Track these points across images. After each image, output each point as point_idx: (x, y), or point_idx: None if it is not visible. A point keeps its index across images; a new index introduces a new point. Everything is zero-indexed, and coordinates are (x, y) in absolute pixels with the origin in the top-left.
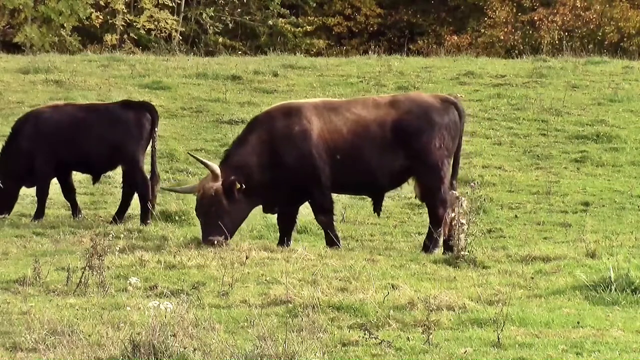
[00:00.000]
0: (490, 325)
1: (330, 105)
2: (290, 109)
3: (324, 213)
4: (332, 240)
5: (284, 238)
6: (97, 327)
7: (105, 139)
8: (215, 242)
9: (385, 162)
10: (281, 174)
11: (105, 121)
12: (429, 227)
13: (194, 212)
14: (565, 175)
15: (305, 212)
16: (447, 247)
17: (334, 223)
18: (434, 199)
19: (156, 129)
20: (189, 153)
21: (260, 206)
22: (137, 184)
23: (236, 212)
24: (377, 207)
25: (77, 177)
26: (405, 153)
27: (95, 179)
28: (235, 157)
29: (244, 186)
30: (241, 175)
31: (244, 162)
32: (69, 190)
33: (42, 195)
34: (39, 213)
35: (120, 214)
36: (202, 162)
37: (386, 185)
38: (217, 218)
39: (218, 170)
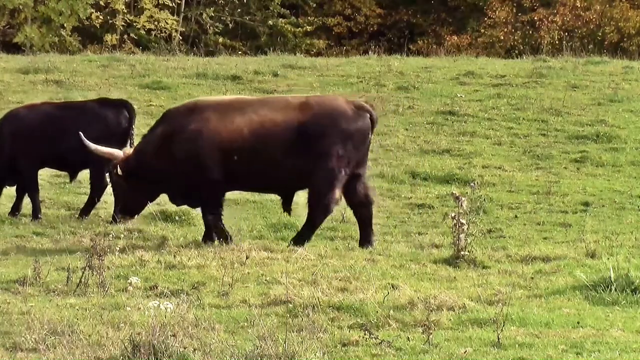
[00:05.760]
0: (490, 325)
1: (238, 104)
2: (193, 107)
3: (211, 212)
4: (211, 235)
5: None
6: (97, 327)
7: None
8: (120, 219)
9: (289, 165)
10: (174, 170)
11: (83, 119)
12: (302, 228)
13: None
14: (565, 175)
15: (302, 211)
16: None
17: (221, 221)
18: (317, 204)
19: (133, 127)
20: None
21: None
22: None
23: (134, 193)
24: (286, 206)
25: (78, 177)
26: (306, 156)
27: (72, 177)
28: (140, 143)
29: (137, 172)
30: (138, 161)
31: (142, 149)
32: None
33: (32, 194)
34: (36, 212)
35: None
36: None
37: (294, 186)
38: (120, 195)
39: (106, 154)
